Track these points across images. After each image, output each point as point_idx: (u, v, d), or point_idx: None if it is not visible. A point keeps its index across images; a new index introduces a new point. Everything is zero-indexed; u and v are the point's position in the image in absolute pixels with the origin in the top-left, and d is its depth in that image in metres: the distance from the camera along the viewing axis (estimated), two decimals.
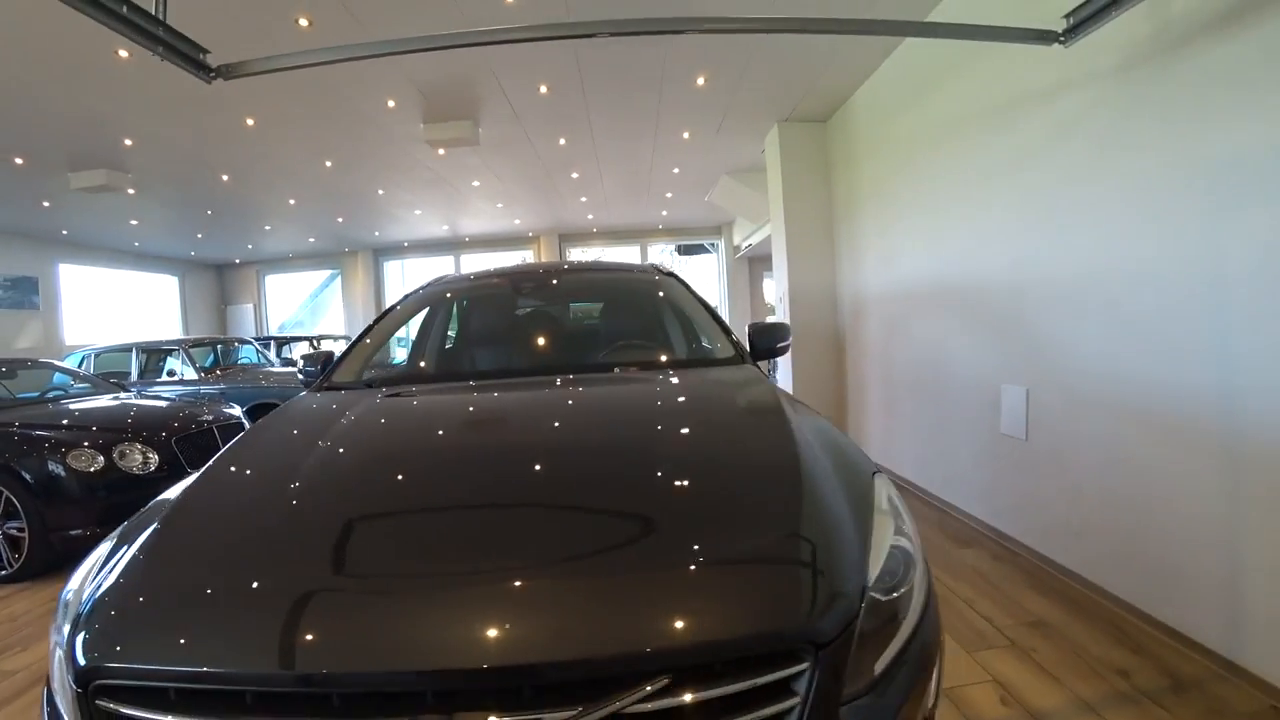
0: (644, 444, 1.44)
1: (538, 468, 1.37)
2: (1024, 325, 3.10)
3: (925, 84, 3.97)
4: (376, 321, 2.68)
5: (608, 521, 1.17)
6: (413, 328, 2.95)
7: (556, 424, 1.65)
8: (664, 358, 2.35)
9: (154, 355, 8.32)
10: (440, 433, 1.69)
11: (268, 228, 10.71)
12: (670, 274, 2.84)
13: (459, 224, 11.15)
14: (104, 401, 5.05)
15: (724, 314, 11.88)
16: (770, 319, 2.50)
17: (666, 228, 11.93)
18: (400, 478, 1.40)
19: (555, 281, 2.99)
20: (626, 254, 12.55)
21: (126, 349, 8.37)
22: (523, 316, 2.85)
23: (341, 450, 1.54)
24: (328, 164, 7.14)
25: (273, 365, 8.77)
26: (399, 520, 1.22)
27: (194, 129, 5.86)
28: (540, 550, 1.06)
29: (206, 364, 8.25)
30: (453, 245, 12.80)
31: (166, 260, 12.76)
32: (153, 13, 2.22)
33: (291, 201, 8.93)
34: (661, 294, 2.74)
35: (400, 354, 3.80)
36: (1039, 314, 2.99)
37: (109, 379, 7.27)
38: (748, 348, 2.37)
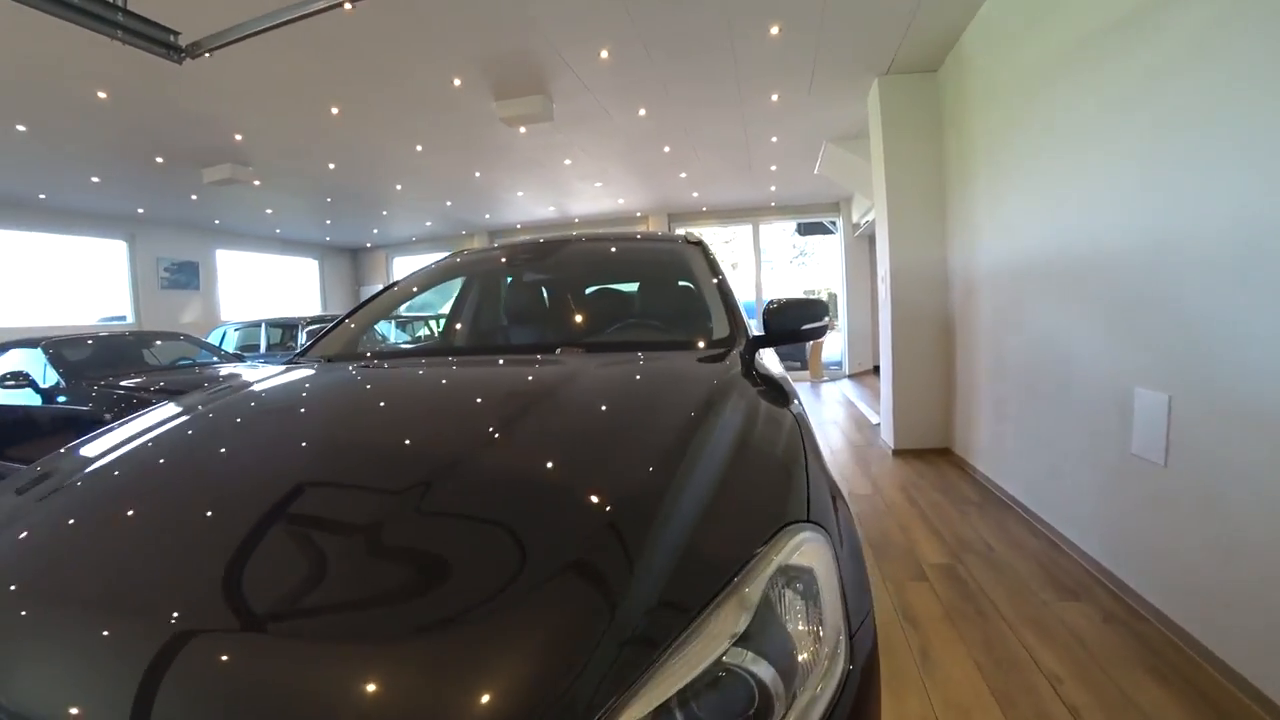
0: (478, 456, 1.07)
1: (342, 474, 1.08)
2: (1168, 309, 2.31)
3: (1041, 6, 3.15)
4: (377, 295, 2.49)
5: (339, 564, 0.82)
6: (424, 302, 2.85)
7: (415, 420, 1.35)
8: (627, 339, 2.05)
9: (283, 330, 9.01)
10: (291, 418, 1.43)
11: (384, 213, 11.19)
12: (697, 243, 2.41)
13: (565, 205, 11.07)
14: (221, 370, 5.45)
15: (841, 299, 10.96)
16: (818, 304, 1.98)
17: (780, 205, 11.14)
18: (190, 464, 1.18)
19: (554, 255, 2.68)
20: (739, 233, 11.93)
21: (257, 325, 9.12)
22: (505, 293, 2.65)
23: (184, 431, 1.37)
24: (418, 148, 7.21)
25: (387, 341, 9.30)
26: (139, 520, 0.99)
27: (288, 121, 6.06)
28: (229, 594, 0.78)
29: None
30: (563, 227, 12.78)
31: (306, 245, 13.78)
32: (111, 1, 2.14)
33: (398, 187, 9.21)
34: (669, 266, 2.42)
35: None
36: (1190, 294, 2.20)
37: (239, 352, 7.99)
38: (762, 330, 1.93)
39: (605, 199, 10.60)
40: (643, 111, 6.04)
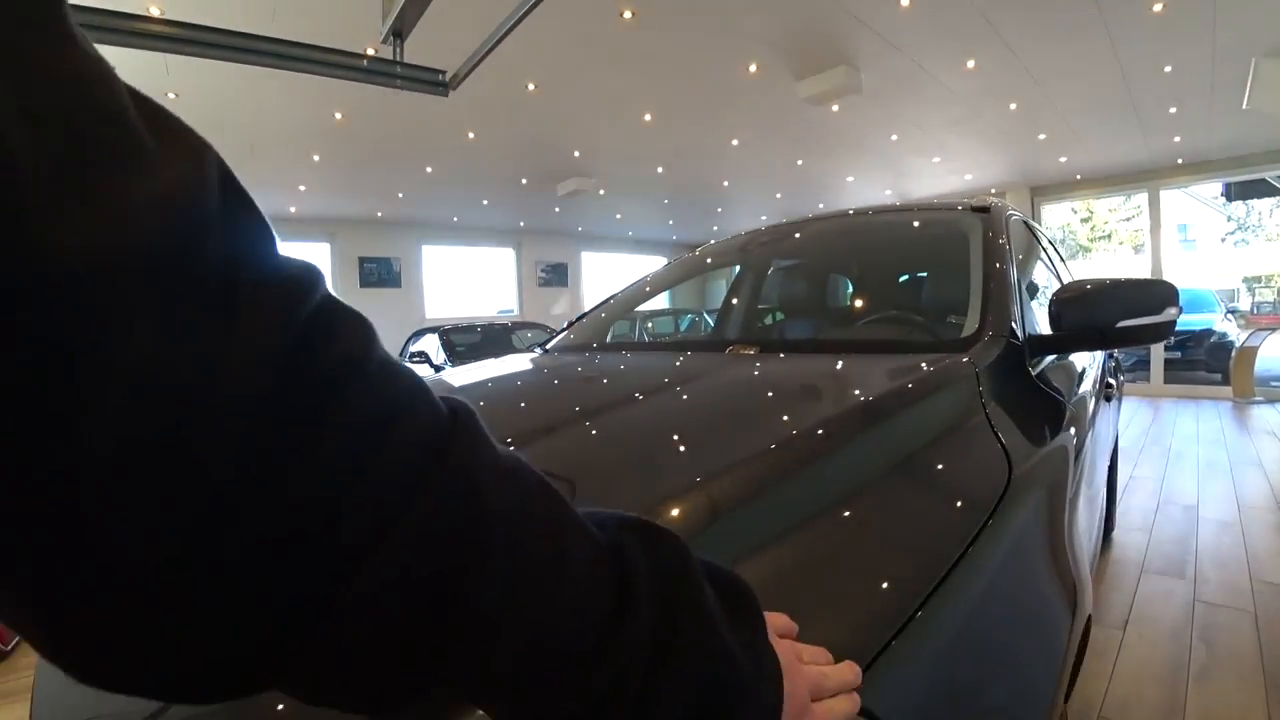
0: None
1: None
2: None
3: None
4: (607, 300, 2.54)
5: None
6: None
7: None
8: (814, 336, 1.85)
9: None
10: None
11: (719, 210, 11.64)
12: (983, 210, 1.83)
13: (903, 186, 10.13)
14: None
15: None
16: None
17: (1191, 161, 8.37)
18: None
19: (790, 240, 2.37)
20: (1133, 204, 9.48)
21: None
22: (736, 282, 2.44)
23: None
24: (734, 143, 7.29)
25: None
26: None
27: (610, 133, 6.70)
28: None
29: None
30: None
31: (655, 244, 15.07)
32: (390, 58, 2.58)
33: (725, 184, 9.49)
34: (922, 244, 2.00)
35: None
36: None
37: None
38: (1045, 325, 1.40)
39: (948, 176, 9.39)
40: (971, 63, 5.12)
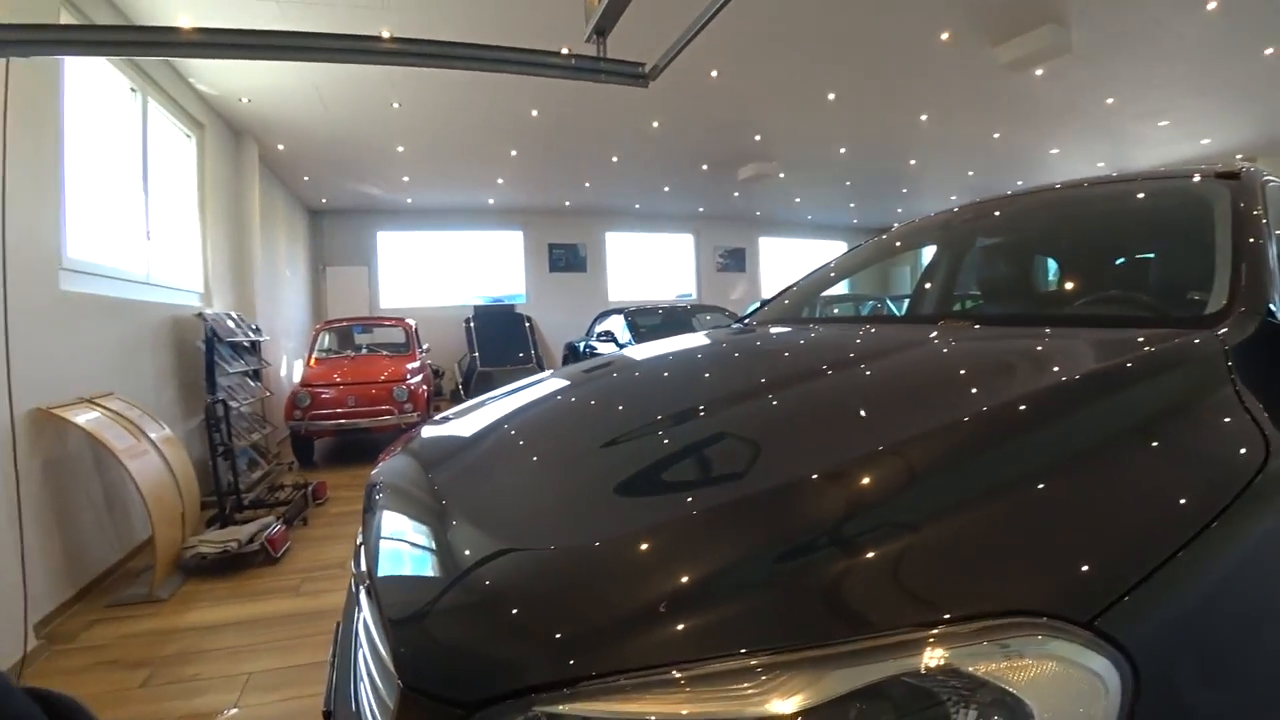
0: (722, 410, 1.12)
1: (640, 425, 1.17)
2: None
3: None
4: (807, 277, 2.57)
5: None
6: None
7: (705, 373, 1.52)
8: (1026, 312, 1.81)
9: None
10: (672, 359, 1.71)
11: (904, 191, 11.15)
12: (1231, 176, 1.59)
13: (1120, 156, 9.08)
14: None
15: None
16: None
17: None
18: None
19: (1000, 215, 2.23)
20: None
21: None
22: (938, 259, 2.36)
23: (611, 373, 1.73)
24: (923, 118, 7.04)
25: None
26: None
27: (793, 115, 6.77)
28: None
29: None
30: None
31: (835, 229, 14.71)
32: (594, 55, 2.89)
33: (912, 162, 9.11)
34: (1158, 216, 1.83)
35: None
36: None
37: None
38: None
39: (1179, 142, 8.30)
40: (1213, 4, 4.54)
